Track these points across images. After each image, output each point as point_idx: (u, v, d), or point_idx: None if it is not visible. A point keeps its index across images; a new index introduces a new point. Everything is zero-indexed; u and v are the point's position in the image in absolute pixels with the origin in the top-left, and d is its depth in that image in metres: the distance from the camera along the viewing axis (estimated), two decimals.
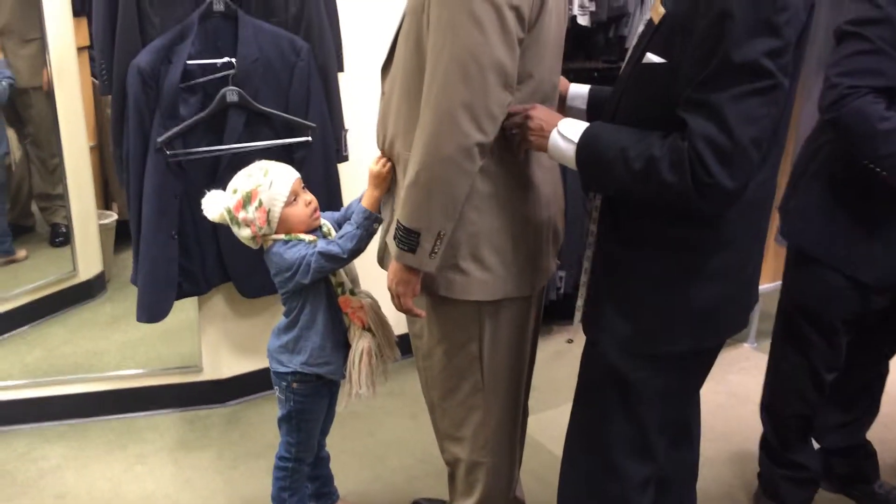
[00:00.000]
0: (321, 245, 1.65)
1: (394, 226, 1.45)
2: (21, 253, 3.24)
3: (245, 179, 1.67)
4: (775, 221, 2.80)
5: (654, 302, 1.37)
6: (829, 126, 1.73)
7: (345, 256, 1.65)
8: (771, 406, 2.10)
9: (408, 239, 1.41)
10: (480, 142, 1.34)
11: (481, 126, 1.33)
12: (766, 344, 2.13)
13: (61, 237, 3.27)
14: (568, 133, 1.35)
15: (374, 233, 1.68)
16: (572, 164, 1.36)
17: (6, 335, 3.00)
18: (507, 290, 1.54)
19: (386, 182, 1.59)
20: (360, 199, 1.68)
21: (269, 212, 1.65)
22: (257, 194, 1.64)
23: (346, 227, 1.67)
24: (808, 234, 1.90)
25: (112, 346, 2.98)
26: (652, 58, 1.28)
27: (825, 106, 1.69)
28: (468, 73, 1.30)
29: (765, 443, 2.14)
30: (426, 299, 1.55)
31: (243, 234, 1.68)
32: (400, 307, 1.51)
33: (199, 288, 2.34)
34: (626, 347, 1.42)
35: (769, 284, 2.95)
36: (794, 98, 1.36)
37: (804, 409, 2.01)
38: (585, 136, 1.34)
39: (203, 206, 1.71)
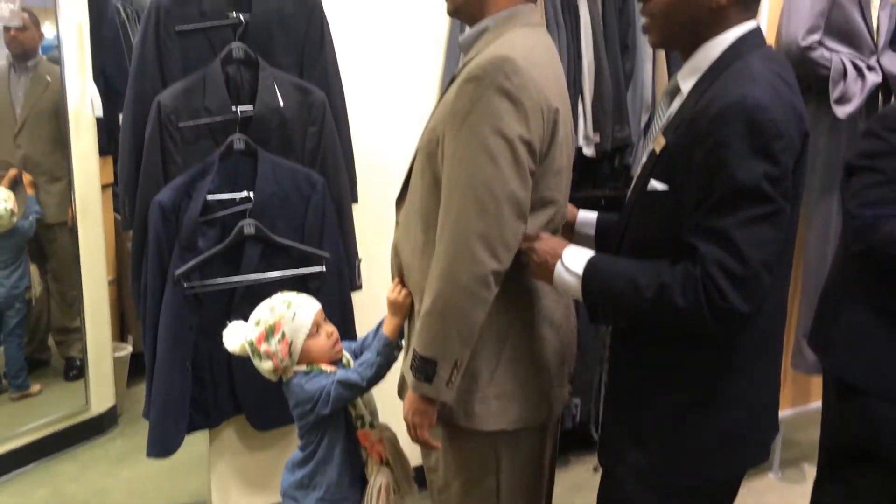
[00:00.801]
0: (340, 373, 1.64)
1: (410, 355, 1.45)
2: (35, 387, 3.26)
3: (268, 312, 1.67)
4: (790, 347, 2.79)
5: (669, 432, 1.35)
6: (858, 257, 1.73)
7: (363, 385, 1.64)
8: None
9: (424, 368, 1.41)
10: (496, 270, 1.37)
11: (497, 255, 1.36)
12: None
13: (76, 370, 3.29)
14: (572, 266, 1.37)
15: (393, 361, 1.67)
16: (578, 296, 1.37)
17: (14, 472, 2.96)
18: (523, 419, 1.51)
19: (404, 309, 1.60)
20: (378, 328, 1.68)
21: (291, 344, 1.65)
22: (280, 326, 1.65)
23: (366, 355, 1.66)
24: (856, 365, 1.81)
25: (119, 483, 2.93)
26: (655, 185, 1.33)
27: (852, 237, 1.70)
28: (484, 204, 1.34)
29: None
30: (441, 430, 1.53)
31: (265, 366, 1.67)
32: (416, 438, 1.49)
33: (210, 420, 2.32)
34: (643, 478, 1.39)
35: (789, 411, 2.89)
36: (797, 224, 1.38)
37: None
38: (589, 269, 1.36)
39: (224, 338, 1.71)
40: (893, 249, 1.66)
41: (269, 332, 1.65)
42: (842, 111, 2.53)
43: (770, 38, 2.56)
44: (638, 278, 1.28)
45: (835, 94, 2.53)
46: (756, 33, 1.33)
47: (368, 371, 1.63)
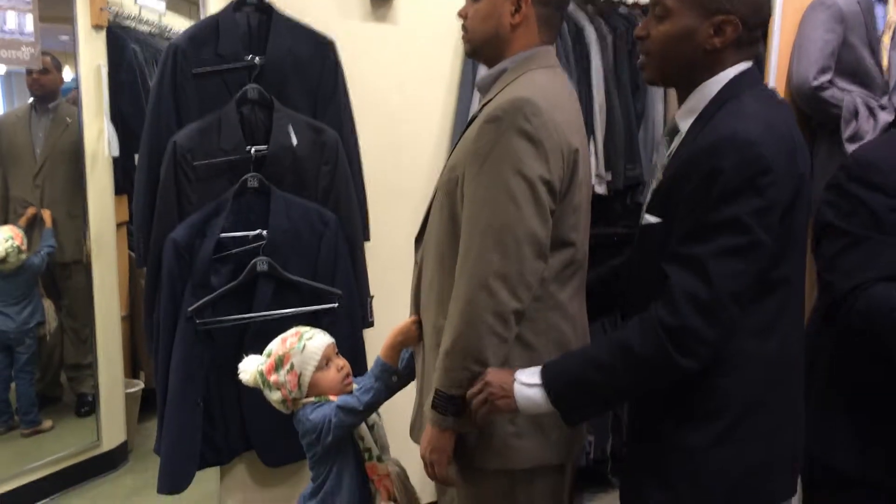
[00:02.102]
0: (340, 399, 1.65)
1: (430, 396, 1.45)
2: (47, 423, 3.27)
3: (279, 343, 1.70)
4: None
5: (692, 470, 1.34)
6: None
7: (361, 409, 1.64)
8: None
9: (451, 405, 1.41)
10: (516, 309, 1.38)
11: (517, 294, 1.37)
12: None
13: (87, 406, 3.30)
14: (528, 378, 1.36)
15: (391, 386, 1.67)
16: (547, 407, 1.34)
17: None
18: (540, 458, 1.51)
19: (404, 335, 1.62)
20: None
21: (300, 376, 1.66)
22: (289, 358, 1.67)
23: (365, 380, 1.68)
24: None
25: None
26: (649, 218, 1.35)
27: (834, 312, 1.53)
28: (504, 244, 1.36)
29: None
30: (456, 469, 1.52)
31: (274, 396, 1.69)
32: (434, 475, 1.49)
33: (221, 457, 2.31)
34: None
35: None
36: (803, 258, 1.38)
37: None
38: (545, 371, 1.35)
39: (239, 370, 1.74)
40: (873, 323, 1.46)
41: (279, 363, 1.67)
42: (853, 150, 2.54)
43: (781, 79, 2.59)
44: (594, 354, 1.31)
45: (847, 132, 2.54)
46: (751, 72, 1.35)
47: (366, 396, 1.64)
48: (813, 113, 2.59)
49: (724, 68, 1.33)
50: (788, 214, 1.27)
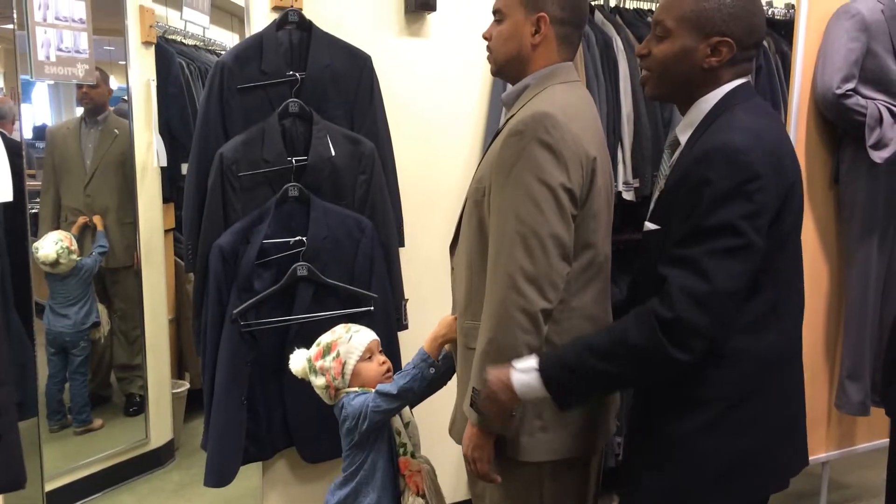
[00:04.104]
0: (379, 386, 1.76)
1: (469, 394, 1.53)
2: (98, 422, 3.37)
3: (328, 334, 1.85)
4: (834, 387, 2.79)
5: (682, 457, 1.41)
6: None
7: (395, 392, 1.73)
8: None
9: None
10: (545, 308, 1.46)
11: (545, 294, 1.45)
12: None
13: (136, 406, 3.41)
14: (524, 365, 1.42)
15: (427, 377, 1.75)
16: (542, 391, 1.40)
17: (78, 503, 3.08)
18: (566, 450, 1.58)
19: (448, 329, 1.71)
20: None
21: (344, 364, 1.79)
22: (336, 345, 1.80)
23: (404, 367, 1.78)
24: None
25: None
26: (649, 226, 1.44)
27: None
28: (531, 247, 1.45)
29: None
30: (496, 463, 1.58)
31: (318, 382, 1.81)
32: (476, 472, 1.56)
33: (264, 452, 2.42)
34: None
35: (834, 452, 2.87)
36: (799, 259, 1.46)
37: None
38: (542, 357, 1.42)
39: (290, 361, 1.87)
40: None
41: (326, 350, 1.82)
42: (878, 156, 2.58)
43: (806, 87, 2.62)
44: (590, 342, 1.38)
45: (871, 139, 2.57)
46: (744, 87, 1.44)
47: (402, 380, 1.74)
48: (837, 121, 2.63)
49: (719, 85, 1.42)
50: (778, 218, 1.34)
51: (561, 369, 1.41)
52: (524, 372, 1.42)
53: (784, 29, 3.11)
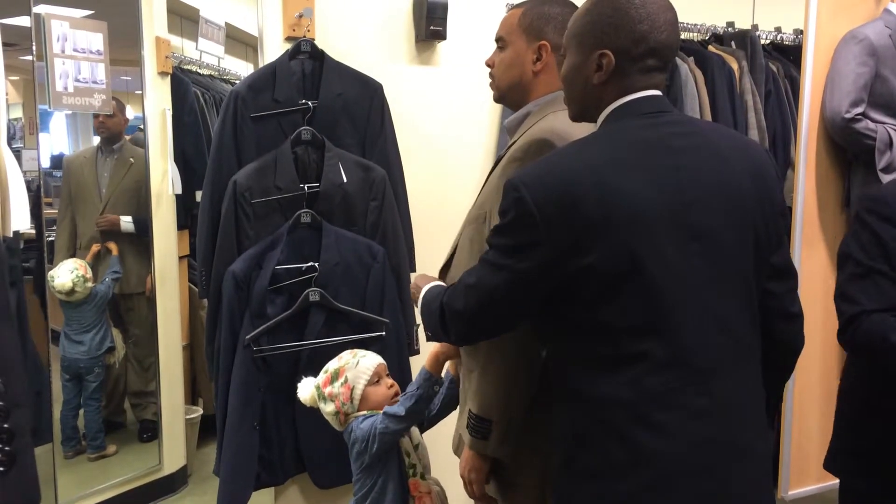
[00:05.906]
0: (387, 408, 1.77)
1: (465, 416, 1.55)
2: (111, 448, 3.37)
3: (335, 360, 1.85)
4: None
5: (555, 495, 1.38)
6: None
7: (403, 414, 1.74)
8: None
9: (480, 427, 1.51)
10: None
11: None
12: None
13: (149, 433, 3.42)
14: (427, 285, 1.56)
15: (432, 396, 1.77)
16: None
17: None
18: None
19: (446, 347, 1.72)
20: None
21: (353, 389, 1.79)
22: (344, 371, 1.81)
23: (409, 388, 1.78)
24: None
25: None
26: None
27: (838, 335, 1.64)
28: None
29: None
30: (494, 483, 1.60)
31: (328, 409, 1.81)
32: (472, 494, 1.57)
33: (276, 478, 2.42)
34: None
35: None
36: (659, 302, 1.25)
37: None
38: (431, 285, 1.55)
39: (298, 390, 1.88)
40: (871, 349, 1.57)
41: (334, 377, 1.82)
42: (888, 179, 2.58)
43: (815, 112, 2.64)
44: (442, 290, 1.44)
45: (881, 163, 2.58)
46: (636, 104, 1.32)
47: (409, 402, 1.74)
48: (846, 144, 2.64)
49: (609, 101, 1.33)
50: (575, 257, 1.22)
51: (423, 304, 1.52)
52: (429, 289, 1.53)
53: (793, 54, 3.13)
